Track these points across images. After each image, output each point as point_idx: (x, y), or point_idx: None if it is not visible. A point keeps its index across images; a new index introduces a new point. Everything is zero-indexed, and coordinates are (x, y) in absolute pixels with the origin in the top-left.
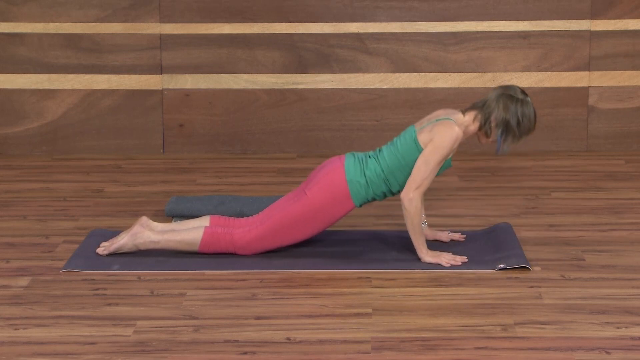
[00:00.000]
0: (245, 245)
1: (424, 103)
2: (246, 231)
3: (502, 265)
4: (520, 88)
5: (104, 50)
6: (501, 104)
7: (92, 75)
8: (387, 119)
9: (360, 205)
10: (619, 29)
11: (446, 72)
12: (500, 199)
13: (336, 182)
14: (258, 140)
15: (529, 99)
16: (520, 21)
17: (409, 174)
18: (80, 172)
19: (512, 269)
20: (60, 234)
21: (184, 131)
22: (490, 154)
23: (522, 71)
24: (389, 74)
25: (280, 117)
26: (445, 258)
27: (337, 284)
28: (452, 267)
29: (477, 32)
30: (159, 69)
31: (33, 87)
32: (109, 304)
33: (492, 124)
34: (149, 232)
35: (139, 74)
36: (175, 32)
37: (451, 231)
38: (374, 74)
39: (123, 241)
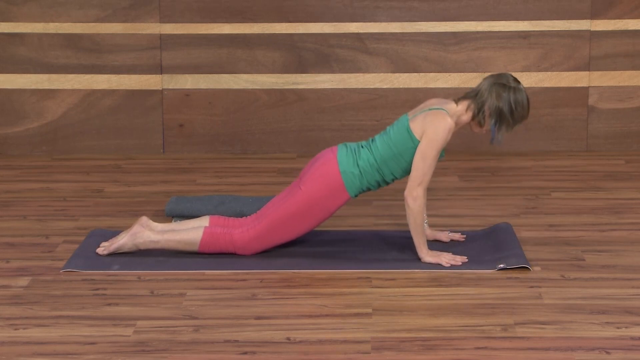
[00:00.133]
0: (245, 245)
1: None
2: (244, 231)
3: (502, 265)
4: (512, 76)
5: (104, 50)
6: (494, 92)
7: (92, 75)
8: (387, 119)
9: (356, 196)
10: (619, 29)
11: (446, 72)
12: (500, 199)
13: (330, 174)
14: (258, 140)
15: (521, 86)
16: (520, 21)
17: (402, 163)
18: (80, 172)
19: (512, 269)
20: (60, 234)
21: (184, 131)
22: (491, 154)
23: (522, 71)
24: (389, 74)
25: (280, 117)
26: (446, 258)
27: (337, 284)
28: (452, 267)
29: (477, 32)
30: (159, 69)
31: (33, 87)
32: (109, 304)
33: (486, 114)
34: (148, 232)
35: (139, 74)
36: (175, 32)
37: (451, 231)
38: (374, 74)
39: (123, 241)
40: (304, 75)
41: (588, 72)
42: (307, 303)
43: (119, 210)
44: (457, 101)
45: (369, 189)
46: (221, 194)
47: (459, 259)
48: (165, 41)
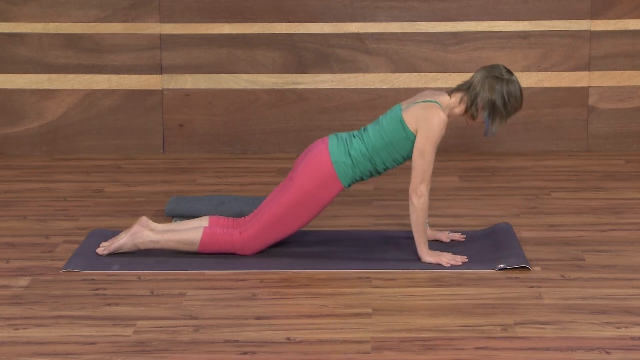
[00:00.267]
0: (244, 245)
1: None
2: (243, 231)
3: (502, 265)
4: (505, 67)
5: (104, 50)
6: (486, 85)
7: (92, 75)
8: None
9: (349, 186)
10: (619, 29)
11: (446, 72)
12: (500, 199)
13: (322, 166)
14: (258, 140)
15: (514, 77)
16: (520, 21)
17: (393, 152)
18: (80, 172)
19: (512, 269)
20: (60, 234)
21: (184, 131)
22: (491, 154)
23: (522, 71)
24: (389, 74)
25: (280, 117)
26: (446, 258)
27: (337, 284)
28: (452, 267)
29: (477, 32)
30: (159, 69)
31: (33, 87)
32: (109, 304)
33: (479, 106)
34: (148, 232)
35: (139, 74)
36: (175, 32)
37: (451, 231)
38: (374, 74)
39: (123, 241)
40: (304, 75)
41: (588, 72)
42: (307, 303)
43: (119, 210)
44: (450, 93)
45: (361, 179)
46: (221, 194)
47: (459, 259)
48: (165, 41)
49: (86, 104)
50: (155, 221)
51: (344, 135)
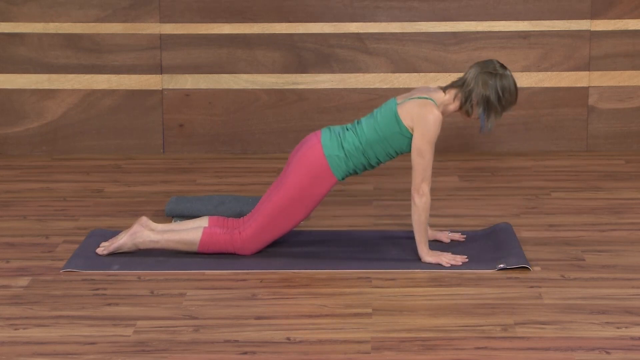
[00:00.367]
0: (243, 245)
1: None
2: (242, 230)
3: (502, 265)
4: (498, 62)
5: (104, 50)
6: (480, 81)
7: (92, 75)
8: None
9: (343, 179)
10: (619, 29)
11: (446, 72)
12: (500, 199)
13: (315, 160)
14: (258, 140)
15: (508, 72)
16: (520, 21)
17: (387, 147)
18: (80, 172)
19: (512, 269)
20: (60, 234)
21: (184, 131)
22: (491, 154)
23: (522, 71)
24: (389, 74)
25: (280, 117)
26: (446, 258)
27: (337, 284)
28: (452, 267)
29: (477, 32)
30: (159, 69)
31: (33, 87)
32: (109, 304)
33: (473, 102)
34: (148, 232)
35: (139, 74)
36: (175, 32)
37: (451, 231)
38: (374, 74)
39: (122, 240)
40: (304, 75)
41: (588, 72)
42: (307, 303)
43: (119, 210)
44: (444, 89)
45: (355, 172)
46: (221, 194)
47: (459, 259)
48: (165, 41)
49: (86, 104)
50: (155, 221)
51: (337, 128)
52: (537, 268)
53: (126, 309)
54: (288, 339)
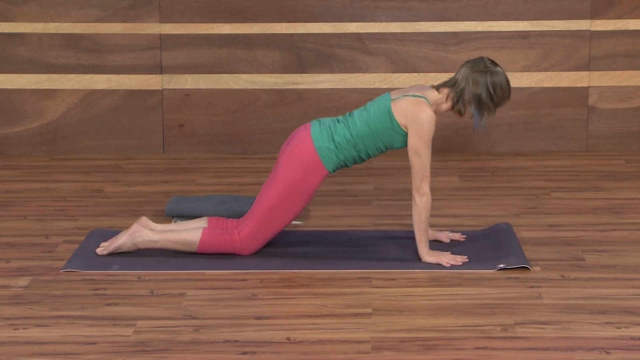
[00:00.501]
0: (242, 245)
1: None
2: (240, 231)
3: (502, 265)
4: (489, 59)
5: (104, 50)
6: (470, 80)
7: (92, 75)
8: None
9: (334, 171)
10: (619, 29)
11: (446, 72)
12: (500, 199)
13: (306, 153)
14: (258, 140)
15: (499, 68)
16: (520, 21)
17: (377, 142)
18: (80, 172)
19: (512, 269)
20: (60, 234)
21: (184, 131)
22: (491, 154)
23: (522, 71)
24: (389, 74)
25: (280, 117)
26: (446, 258)
27: (337, 284)
28: (452, 267)
29: (477, 32)
30: (159, 69)
31: (33, 87)
32: (109, 304)
33: (465, 101)
34: (148, 232)
35: (139, 74)
36: (175, 32)
37: (451, 231)
38: (374, 74)
39: (122, 240)
40: (304, 75)
41: (588, 72)
42: (307, 303)
43: (119, 210)
44: (437, 88)
45: (346, 165)
46: (221, 194)
47: (459, 259)
48: (165, 41)
49: (86, 104)
50: (155, 221)
51: (327, 120)
52: (537, 268)
53: (126, 309)
54: (288, 339)
